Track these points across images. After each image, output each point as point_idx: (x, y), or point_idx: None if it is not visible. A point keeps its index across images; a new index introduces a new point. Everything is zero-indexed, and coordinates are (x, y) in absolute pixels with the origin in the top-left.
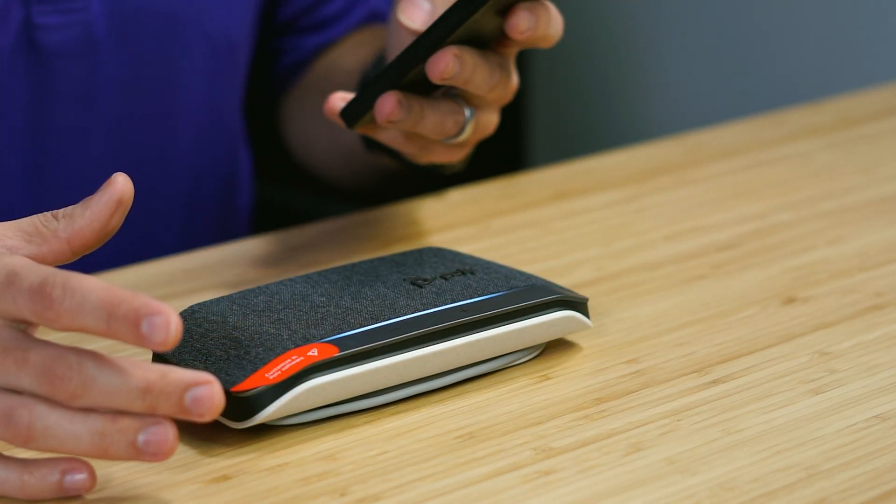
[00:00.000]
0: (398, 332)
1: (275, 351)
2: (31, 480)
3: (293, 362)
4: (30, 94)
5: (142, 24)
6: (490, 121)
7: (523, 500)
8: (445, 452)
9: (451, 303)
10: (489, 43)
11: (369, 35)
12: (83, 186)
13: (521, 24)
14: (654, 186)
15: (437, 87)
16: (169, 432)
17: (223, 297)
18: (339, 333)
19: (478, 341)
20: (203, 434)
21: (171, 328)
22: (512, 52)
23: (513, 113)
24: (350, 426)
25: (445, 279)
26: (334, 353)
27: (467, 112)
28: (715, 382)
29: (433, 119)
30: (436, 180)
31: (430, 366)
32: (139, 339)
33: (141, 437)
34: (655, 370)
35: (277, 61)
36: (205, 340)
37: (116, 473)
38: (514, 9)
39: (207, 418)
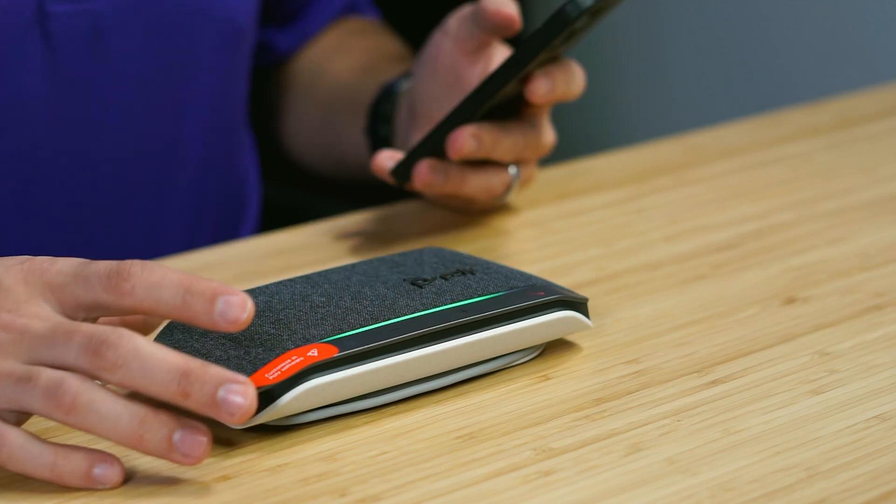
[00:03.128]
0: (398, 333)
1: (275, 351)
2: (63, 464)
3: (293, 363)
4: (42, 82)
5: (150, 13)
6: (529, 174)
7: (523, 501)
8: (445, 452)
9: (451, 303)
10: (519, 107)
11: (352, 37)
12: (93, 175)
13: (540, 90)
14: (654, 186)
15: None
16: (204, 437)
17: None
18: (339, 334)
19: (478, 341)
20: None
21: (246, 307)
22: (541, 112)
23: None
24: (350, 426)
25: (445, 279)
26: (334, 353)
27: (513, 170)
28: (715, 382)
29: (477, 182)
30: None
31: (430, 366)
32: (212, 317)
33: (177, 435)
34: (655, 370)
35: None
36: (205, 340)
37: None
38: (531, 75)
39: (235, 419)
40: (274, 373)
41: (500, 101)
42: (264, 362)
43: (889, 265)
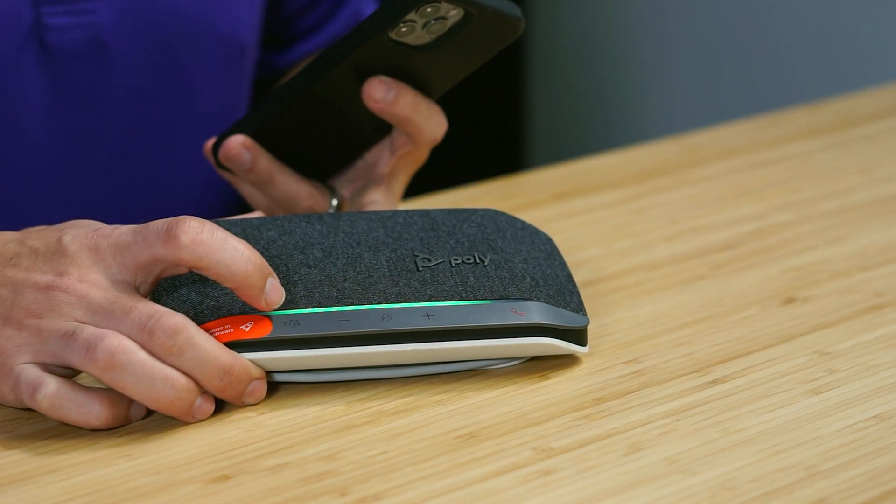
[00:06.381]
0: (346, 325)
1: (220, 311)
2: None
3: (224, 331)
4: (42, 94)
5: (152, 27)
6: (372, 200)
7: (523, 500)
8: (445, 452)
9: (427, 301)
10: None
11: None
12: (94, 188)
13: (376, 93)
14: (654, 187)
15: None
16: (212, 406)
17: (243, 219)
18: (290, 309)
19: (427, 350)
20: (203, 434)
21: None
22: (389, 168)
23: (512, 113)
24: (350, 426)
25: (451, 265)
26: (265, 333)
27: (334, 202)
28: (714, 382)
29: (283, 191)
30: None
31: (373, 362)
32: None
33: (198, 401)
34: (655, 370)
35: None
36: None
37: (115, 472)
38: (372, 78)
39: (243, 405)
40: (211, 333)
41: (339, 98)
42: (206, 319)
43: (888, 265)
